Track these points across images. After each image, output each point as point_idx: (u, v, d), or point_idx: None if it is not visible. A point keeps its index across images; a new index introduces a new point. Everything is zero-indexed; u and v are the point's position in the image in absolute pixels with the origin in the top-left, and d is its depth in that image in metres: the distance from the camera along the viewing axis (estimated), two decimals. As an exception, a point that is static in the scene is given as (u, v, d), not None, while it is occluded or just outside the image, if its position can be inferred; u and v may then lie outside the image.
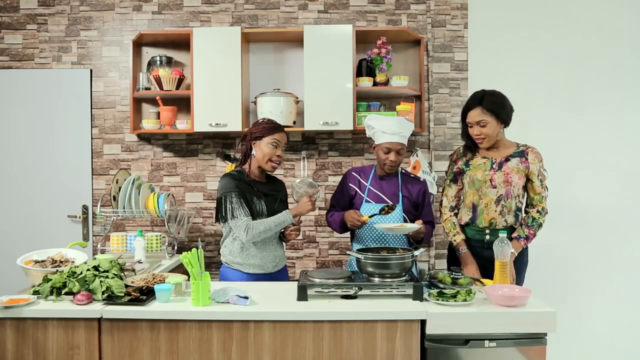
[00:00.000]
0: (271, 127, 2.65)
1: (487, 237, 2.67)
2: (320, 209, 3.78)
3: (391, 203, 2.70)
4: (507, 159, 2.66)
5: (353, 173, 2.84)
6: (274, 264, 2.69)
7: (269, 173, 2.77)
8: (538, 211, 2.65)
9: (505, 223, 2.66)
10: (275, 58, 3.78)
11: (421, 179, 2.88)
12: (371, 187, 2.77)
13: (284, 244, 2.82)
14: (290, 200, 3.68)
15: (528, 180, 2.66)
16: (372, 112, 3.58)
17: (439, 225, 3.75)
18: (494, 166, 2.66)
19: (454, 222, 2.75)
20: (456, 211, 2.79)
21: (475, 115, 2.62)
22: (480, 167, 2.69)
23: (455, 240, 2.72)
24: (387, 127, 2.66)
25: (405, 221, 2.72)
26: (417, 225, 2.56)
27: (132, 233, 3.47)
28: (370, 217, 2.62)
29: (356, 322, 2.12)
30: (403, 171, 2.84)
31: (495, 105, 2.61)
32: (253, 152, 2.65)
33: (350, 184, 2.81)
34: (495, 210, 2.65)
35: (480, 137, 2.64)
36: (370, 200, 2.74)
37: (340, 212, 2.78)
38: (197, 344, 2.13)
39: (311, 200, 2.61)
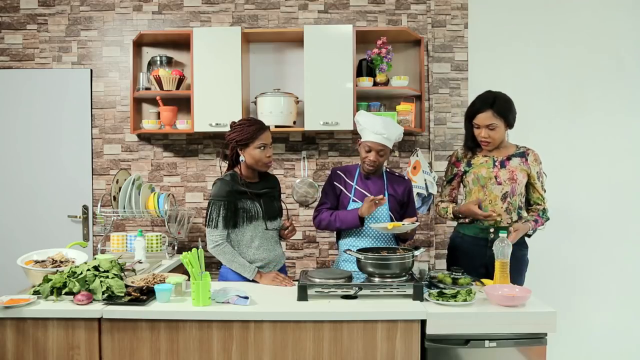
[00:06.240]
0: (254, 130, 2.56)
1: (492, 235, 2.66)
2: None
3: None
4: (509, 158, 2.68)
5: (338, 172, 2.82)
6: (274, 263, 2.70)
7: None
8: (544, 209, 2.71)
9: (510, 221, 2.66)
10: (275, 58, 3.78)
11: (406, 178, 2.87)
12: (357, 187, 2.76)
13: (281, 242, 2.82)
14: (289, 199, 3.71)
15: (529, 181, 2.69)
16: (373, 112, 3.58)
17: (439, 225, 3.81)
18: (496, 164, 2.68)
19: (443, 206, 2.81)
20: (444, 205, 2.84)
21: (485, 118, 2.62)
22: (483, 165, 2.70)
23: (450, 212, 2.76)
24: (372, 126, 2.63)
25: (391, 220, 2.71)
26: (412, 224, 2.55)
27: (132, 233, 3.48)
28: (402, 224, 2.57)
29: (356, 322, 2.12)
30: (388, 170, 2.84)
31: (505, 109, 2.62)
32: (241, 158, 2.60)
33: (335, 183, 2.80)
34: (502, 207, 2.65)
35: (486, 140, 2.64)
36: (357, 200, 2.73)
37: (342, 210, 2.73)
38: (197, 344, 2.14)
39: (276, 279, 2.54)
